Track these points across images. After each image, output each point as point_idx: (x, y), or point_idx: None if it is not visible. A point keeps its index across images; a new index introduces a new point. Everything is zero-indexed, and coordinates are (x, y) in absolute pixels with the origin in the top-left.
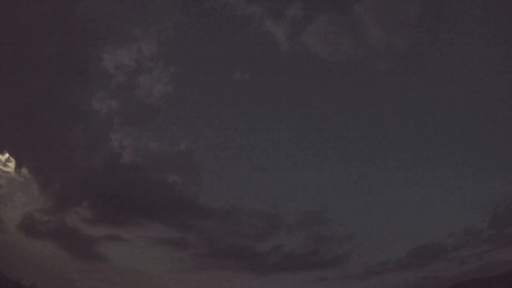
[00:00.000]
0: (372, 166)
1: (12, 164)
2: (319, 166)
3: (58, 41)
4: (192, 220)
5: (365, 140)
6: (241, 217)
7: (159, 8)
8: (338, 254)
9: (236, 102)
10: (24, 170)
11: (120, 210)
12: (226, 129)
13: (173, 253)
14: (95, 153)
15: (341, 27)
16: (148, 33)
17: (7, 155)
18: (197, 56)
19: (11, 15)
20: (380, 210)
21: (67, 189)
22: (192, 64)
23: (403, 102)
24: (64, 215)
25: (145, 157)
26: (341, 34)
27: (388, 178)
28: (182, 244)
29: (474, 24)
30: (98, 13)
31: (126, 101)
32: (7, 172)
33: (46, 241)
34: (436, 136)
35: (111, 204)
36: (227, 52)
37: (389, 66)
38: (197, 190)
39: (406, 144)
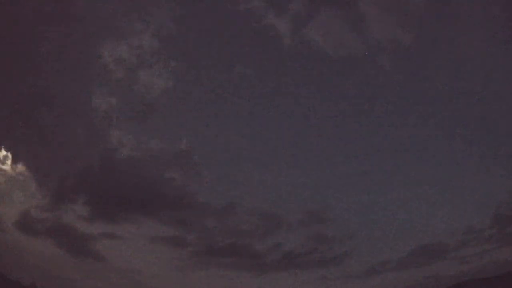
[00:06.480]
0: (373, 165)
1: (9, 161)
2: (320, 164)
3: (57, 36)
4: (191, 218)
5: (367, 139)
6: (240, 215)
7: (159, 2)
8: (338, 253)
9: (237, 98)
10: (21, 167)
11: (118, 208)
12: (227, 126)
13: (171, 251)
14: (94, 150)
15: (344, 22)
16: (148, 28)
17: (4, 152)
18: (198, 51)
19: (8, 10)
20: (380, 209)
21: (65, 186)
22: (193, 59)
23: (405, 100)
24: (61, 212)
25: (144, 154)
26: (345, 28)
27: (389, 178)
28: (181, 242)
29: (478, 19)
30: (98, 8)
31: (125, 97)
32: (4, 169)
33: (45, 240)
34: (437, 135)
35: (109, 202)
36: (229, 47)
37: (393, 62)
38: (196, 188)
39: (407, 143)
